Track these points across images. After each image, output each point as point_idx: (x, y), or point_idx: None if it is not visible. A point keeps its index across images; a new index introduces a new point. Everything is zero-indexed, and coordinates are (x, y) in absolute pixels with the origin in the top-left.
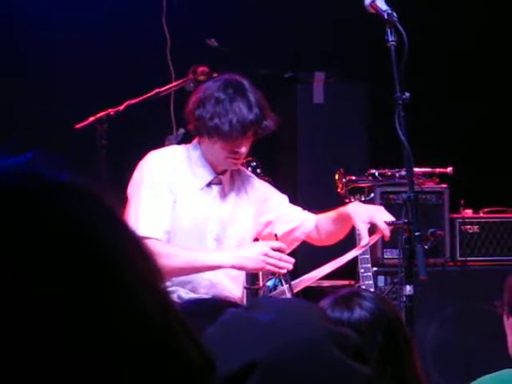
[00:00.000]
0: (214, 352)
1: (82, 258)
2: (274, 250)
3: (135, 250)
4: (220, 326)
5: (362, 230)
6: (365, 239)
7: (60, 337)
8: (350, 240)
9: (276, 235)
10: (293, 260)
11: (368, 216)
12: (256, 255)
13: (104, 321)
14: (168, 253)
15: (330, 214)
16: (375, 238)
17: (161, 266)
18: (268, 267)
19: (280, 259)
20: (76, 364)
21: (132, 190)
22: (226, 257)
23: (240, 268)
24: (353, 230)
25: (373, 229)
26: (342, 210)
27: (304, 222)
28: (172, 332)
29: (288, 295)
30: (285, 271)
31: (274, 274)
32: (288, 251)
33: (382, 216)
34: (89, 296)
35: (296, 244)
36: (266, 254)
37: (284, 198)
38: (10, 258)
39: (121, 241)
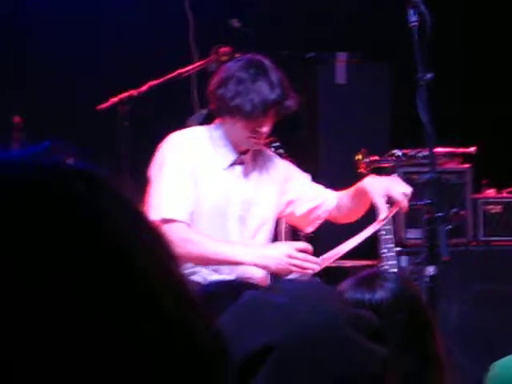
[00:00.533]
0: (231, 333)
1: (97, 248)
2: (299, 251)
3: (152, 239)
4: (238, 308)
5: (380, 203)
6: (383, 213)
7: (73, 326)
8: (372, 215)
9: (300, 234)
10: (318, 260)
11: (384, 189)
12: (280, 256)
13: (118, 312)
14: (194, 240)
15: (349, 191)
16: (393, 210)
17: (180, 253)
18: (292, 269)
19: (305, 260)
20: (91, 354)
21: (154, 171)
22: (250, 254)
23: (263, 267)
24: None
25: (391, 201)
26: (358, 185)
27: (325, 201)
28: (187, 321)
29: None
30: (310, 272)
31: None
32: (311, 229)
33: (398, 188)
34: (104, 285)
35: (318, 223)
36: (290, 256)
37: (306, 177)
38: (22, 248)
39: (137, 230)
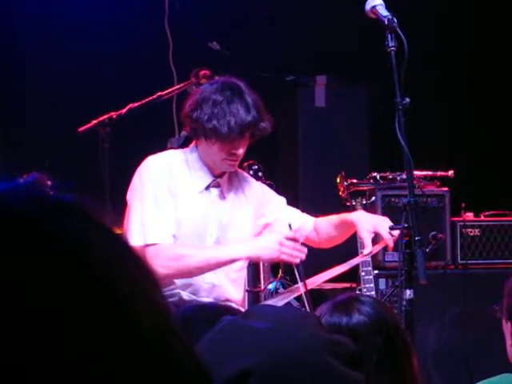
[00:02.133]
0: (210, 359)
1: (83, 279)
2: (288, 239)
3: (136, 268)
4: (216, 334)
5: (366, 239)
6: (368, 248)
7: (57, 351)
8: (349, 245)
9: (290, 225)
10: (305, 250)
11: (373, 225)
12: (271, 245)
13: (100, 338)
14: (183, 254)
15: (333, 219)
16: (378, 247)
17: (172, 272)
18: (282, 256)
19: (294, 249)
20: (70, 378)
21: (132, 196)
22: (241, 249)
23: (256, 258)
24: (354, 236)
25: (376, 238)
26: (345, 216)
27: (302, 225)
28: (168, 347)
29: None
30: (298, 261)
31: (276, 276)
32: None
33: (386, 226)
34: (88, 315)
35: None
36: (280, 244)
37: (282, 200)
38: (13, 282)
39: (122, 260)
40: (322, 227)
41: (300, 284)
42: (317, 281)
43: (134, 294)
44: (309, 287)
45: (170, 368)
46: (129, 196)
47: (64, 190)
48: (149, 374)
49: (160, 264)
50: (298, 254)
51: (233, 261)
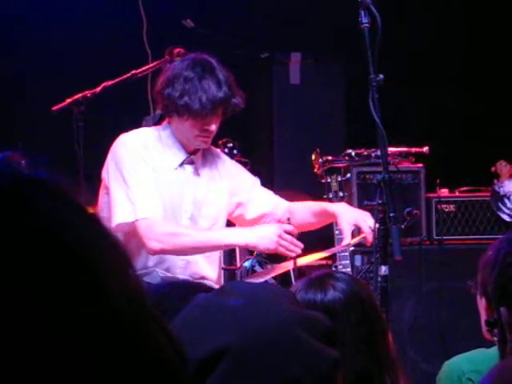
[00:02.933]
0: (183, 337)
1: (59, 256)
2: (286, 233)
3: (109, 246)
4: (190, 311)
5: (346, 230)
6: (347, 239)
7: (34, 331)
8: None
9: (289, 219)
10: (302, 245)
11: (354, 218)
12: (271, 235)
13: (80, 318)
14: (180, 232)
15: (312, 206)
16: (357, 240)
17: (167, 248)
18: (280, 249)
19: (291, 242)
20: (50, 358)
21: (110, 174)
22: (240, 235)
23: (253, 247)
24: (329, 226)
25: (355, 230)
26: (327, 206)
27: (275, 209)
28: (142, 324)
29: (266, 278)
30: (294, 255)
31: (251, 254)
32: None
33: (367, 221)
34: (67, 293)
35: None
36: (279, 236)
37: (256, 181)
38: None
39: (96, 238)
40: (298, 212)
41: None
42: (286, 267)
43: (108, 271)
44: (276, 273)
45: (144, 345)
46: (105, 174)
47: (38, 166)
48: (122, 351)
49: (155, 238)
50: (294, 249)
51: (230, 245)
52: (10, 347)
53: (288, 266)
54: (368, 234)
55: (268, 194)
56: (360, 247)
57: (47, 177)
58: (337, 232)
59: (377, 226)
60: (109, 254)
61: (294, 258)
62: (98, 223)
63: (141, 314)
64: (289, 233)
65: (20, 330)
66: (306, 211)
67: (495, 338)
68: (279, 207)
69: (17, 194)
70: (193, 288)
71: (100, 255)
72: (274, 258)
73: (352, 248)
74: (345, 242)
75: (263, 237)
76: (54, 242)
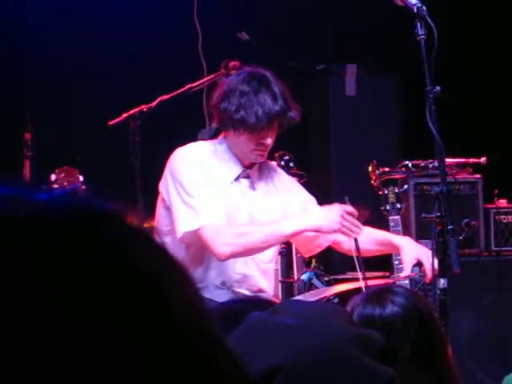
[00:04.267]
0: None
1: (136, 290)
2: (348, 214)
3: (178, 274)
4: (245, 330)
5: (408, 264)
6: (407, 271)
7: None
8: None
9: (347, 199)
10: (363, 227)
11: (418, 254)
12: (334, 216)
13: (151, 345)
14: (247, 231)
15: (375, 235)
16: (416, 273)
17: (237, 250)
18: (342, 229)
19: (353, 223)
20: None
21: (169, 186)
22: (305, 220)
23: (317, 229)
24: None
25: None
26: (391, 237)
27: None
28: (211, 353)
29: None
30: (356, 236)
31: (309, 266)
32: (309, 255)
33: (429, 257)
34: (143, 326)
35: (318, 250)
36: (342, 216)
37: (312, 199)
38: (76, 292)
39: (165, 267)
40: (360, 238)
41: (359, 273)
42: (339, 289)
43: (178, 301)
44: (330, 294)
45: (213, 372)
46: (162, 188)
47: (101, 195)
48: (192, 379)
49: (224, 242)
50: (355, 229)
51: (298, 232)
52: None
53: (352, 285)
54: (428, 270)
55: None
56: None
57: (115, 208)
58: (396, 262)
59: (436, 263)
60: (178, 282)
61: (356, 239)
62: (165, 252)
63: (210, 343)
64: (350, 214)
65: (96, 358)
66: (367, 238)
67: None
68: None
69: (91, 229)
70: (259, 304)
71: (170, 283)
72: (331, 270)
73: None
74: (404, 274)
75: (326, 218)
76: (131, 275)
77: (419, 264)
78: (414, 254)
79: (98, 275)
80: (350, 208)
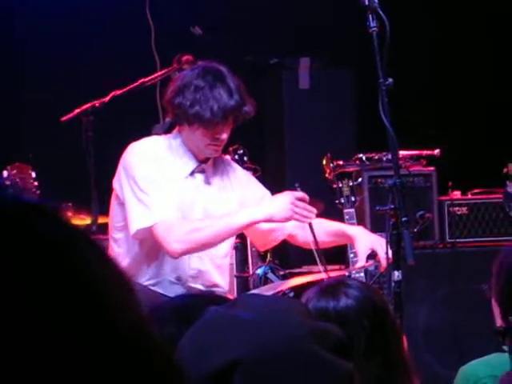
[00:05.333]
0: (195, 351)
1: (64, 276)
2: (299, 200)
3: (111, 271)
4: (202, 325)
5: (362, 254)
6: (361, 262)
7: (40, 345)
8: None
9: (297, 186)
10: (315, 211)
11: (371, 243)
12: (285, 204)
13: (76, 336)
14: (200, 226)
15: (328, 226)
16: (371, 263)
17: (191, 246)
18: (295, 216)
19: (305, 209)
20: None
21: (122, 182)
22: (257, 211)
23: (270, 218)
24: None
25: (369, 255)
26: (344, 227)
27: (285, 225)
28: (139, 342)
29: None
30: (309, 221)
31: (264, 261)
32: (264, 249)
33: (384, 247)
34: (65, 312)
35: (273, 244)
36: (293, 203)
37: (266, 193)
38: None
39: (94, 261)
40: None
41: (319, 265)
42: (293, 283)
43: (111, 296)
44: (286, 287)
45: (138, 359)
46: (116, 184)
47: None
48: (117, 362)
49: (175, 239)
50: (308, 214)
51: (250, 223)
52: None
53: (307, 278)
54: (383, 260)
55: None
56: (373, 252)
57: (41, 201)
58: (352, 255)
59: (390, 252)
60: (110, 278)
61: (310, 224)
62: (98, 248)
63: (140, 335)
64: (301, 199)
65: (27, 349)
66: (321, 230)
67: (505, 348)
68: (289, 223)
69: (18, 220)
70: (212, 299)
71: (102, 282)
72: (286, 264)
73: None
74: (359, 265)
75: (278, 206)
76: (56, 270)
77: (374, 253)
78: (367, 244)
79: (27, 262)
80: (300, 194)
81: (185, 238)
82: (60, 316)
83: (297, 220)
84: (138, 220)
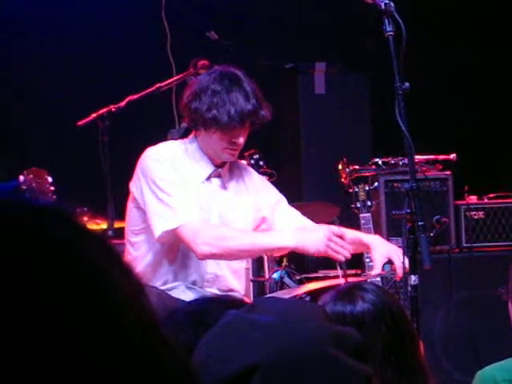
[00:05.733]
0: (214, 354)
1: (73, 280)
2: (336, 236)
3: (121, 273)
4: (221, 328)
5: (378, 262)
6: (377, 270)
7: (49, 348)
8: None
9: (336, 221)
10: (351, 249)
11: (388, 252)
12: (321, 237)
13: (85, 342)
14: (228, 235)
15: (344, 234)
16: (388, 272)
17: (215, 251)
18: (329, 252)
19: (341, 246)
20: (57, 369)
21: (144, 187)
22: (289, 237)
23: (302, 249)
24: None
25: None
26: (361, 236)
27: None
28: (152, 347)
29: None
30: (343, 259)
31: (280, 265)
32: (279, 254)
33: (400, 255)
34: (76, 315)
35: (284, 252)
36: (329, 239)
37: (282, 198)
38: (13, 280)
39: (105, 264)
40: None
41: (339, 271)
42: (318, 286)
43: (120, 297)
44: (302, 292)
45: (155, 370)
46: (134, 188)
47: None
48: (130, 368)
49: (204, 242)
50: (343, 252)
51: (280, 248)
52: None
53: (323, 283)
54: (399, 269)
55: (294, 213)
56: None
57: (55, 205)
58: (367, 260)
59: (406, 261)
60: (121, 280)
61: (341, 262)
62: (112, 252)
63: (151, 337)
64: (338, 236)
65: (35, 346)
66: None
67: None
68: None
69: (24, 225)
70: (229, 303)
71: (112, 285)
72: (302, 268)
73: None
74: (375, 272)
75: (313, 239)
76: (62, 273)
77: (390, 262)
78: (384, 253)
79: (37, 260)
80: (338, 230)
81: (213, 243)
82: (64, 319)
83: (329, 255)
84: (164, 222)
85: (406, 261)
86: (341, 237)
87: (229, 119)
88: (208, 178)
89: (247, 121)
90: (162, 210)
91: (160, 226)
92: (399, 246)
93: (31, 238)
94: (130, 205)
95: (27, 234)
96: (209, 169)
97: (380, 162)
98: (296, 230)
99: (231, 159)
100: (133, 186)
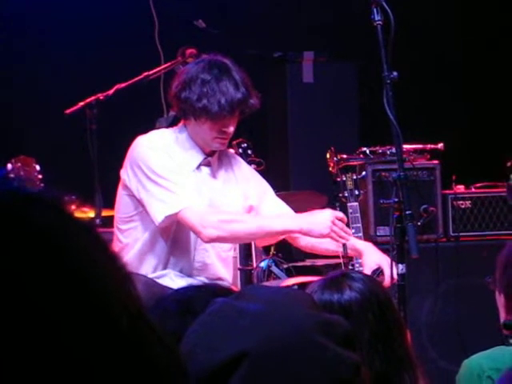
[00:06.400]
0: (202, 342)
1: (57, 267)
2: (338, 219)
3: (107, 260)
4: (209, 316)
5: (368, 267)
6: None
7: (34, 335)
8: None
9: (337, 205)
10: (352, 233)
11: (379, 259)
12: (325, 221)
13: (72, 328)
14: (235, 218)
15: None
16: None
17: (221, 235)
18: (332, 235)
19: (342, 229)
20: (42, 364)
21: (140, 175)
22: (295, 221)
23: (307, 232)
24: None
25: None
26: (353, 241)
27: None
28: (139, 335)
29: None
30: (344, 241)
31: (267, 254)
32: (263, 245)
33: (389, 268)
34: (61, 302)
35: (271, 242)
36: (333, 222)
37: (269, 189)
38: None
39: (92, 251)
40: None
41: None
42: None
43: (107, 285)
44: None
45: (139, 352)
46: (125, 175)
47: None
48: (118, 362)
49: (211, 225)
50: (344, 235)
51: (285, 232)
52: (13, 350)
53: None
54: (388, 277)
55: (280, 203)
56: (376, 245)
57: (42, 192)
58: (357, 265)
59: (397, 269)
60: (108, 271)
61: (344, 245)
62: (98, 239)
63: (137, 323)
64: (340, 220)
65: (19, 332)
66: (330, 240)
67: (511, 341)
68: None
69: (10, 212)
70: (217, 291)
71: (98, 273)
72: (290, 257)
73: None
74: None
75: (317, 222)
76: (55, 256)
77: (379, 270)
78: (375, 260)
79: (24, 248)
80: (340, 214)
81: (220, 226)
82: (50, 307)
83: (332, 238)
84: (165, 207)
85: (395, 271)
86: (342, 220)
87: (219, 109)
88: (198, 167)
89: (237, 110)
90: (163, 195)
91: (162, 211)
92: (388, 236)
93: (17, 225)
94: (121, 192)
95: (13, 220)
96: (199, 158)
97: (368, 151)
98: (302, 214)
99: (221, 148)
100: (124, 174)
